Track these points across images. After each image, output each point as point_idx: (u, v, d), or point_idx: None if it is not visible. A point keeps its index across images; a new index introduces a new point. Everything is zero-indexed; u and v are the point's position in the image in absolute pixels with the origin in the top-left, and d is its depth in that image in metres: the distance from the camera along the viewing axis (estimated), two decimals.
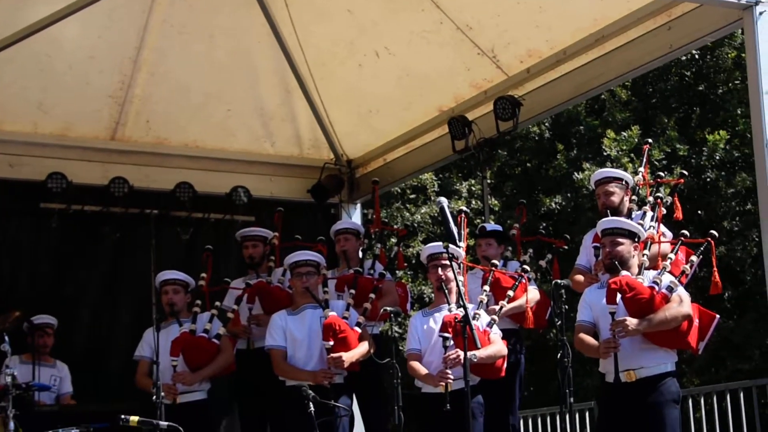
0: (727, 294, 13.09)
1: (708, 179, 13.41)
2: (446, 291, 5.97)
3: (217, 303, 7.26)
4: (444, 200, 5.66)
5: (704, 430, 8.64)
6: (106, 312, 8.79)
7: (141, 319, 7.78)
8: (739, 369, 13.00)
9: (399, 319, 10.41)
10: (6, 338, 6.40)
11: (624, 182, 6.50)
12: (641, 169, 6.96)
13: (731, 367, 13.22)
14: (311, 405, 5.58)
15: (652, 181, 6.80)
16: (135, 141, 9.10)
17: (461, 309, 5.84)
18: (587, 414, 9.92)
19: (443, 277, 6.07)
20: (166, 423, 5.69)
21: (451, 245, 5.92)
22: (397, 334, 12.10)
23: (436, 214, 13.50)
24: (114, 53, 8.41)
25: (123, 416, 5.47)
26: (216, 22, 8.34)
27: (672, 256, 5.96)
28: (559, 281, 5.80)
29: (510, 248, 7.48)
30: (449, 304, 6.05)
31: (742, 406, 8.42)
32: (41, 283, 8.58)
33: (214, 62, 8.68)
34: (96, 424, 6.41)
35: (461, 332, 5.66)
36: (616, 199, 6.42)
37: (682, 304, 5.58)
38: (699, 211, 13.55)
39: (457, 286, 5.95)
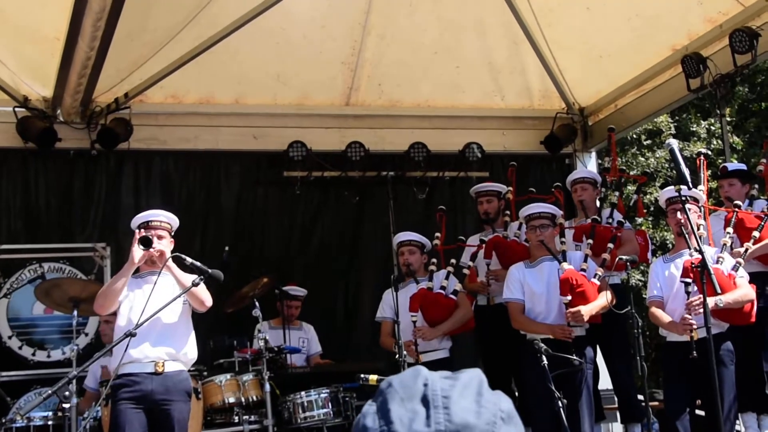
0: None
1: None
2: (686, 235, 5.76)
3: (453, 260, 7.32)
4: (674, 142, 5.43)
5: None
6: (351, 274, 9.12)
7: (384, 279, 8.00)
8: None
9: (641, 267, 10.18)
10: (257, 304, 6.74)
11: None
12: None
13: None
14: (544, 358, 5.54)
15: None
16: (369, 105, 9.34)
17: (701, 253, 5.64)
18: None
19: (681, 221, 5.87)
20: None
21: (687, 188, 5.70)
22: (640, 283, 11.85)
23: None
24: (344, 20, 8.63)
25: (363, 375, 5.62)
26: None
27: None
28: None
29: (756, 186, 7.12)
30: (690, 249, 5.84)
31: None
32: (288, 249, 9.01)
33: (440, 20, 8.73)
34: (346, 384, 6.66)
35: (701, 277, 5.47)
36: None
37: None
38: None
39: (693, 229, 5.71)
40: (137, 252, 5.55)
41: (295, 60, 8.75)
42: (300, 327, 8.22)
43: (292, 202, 9.03)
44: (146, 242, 5.55)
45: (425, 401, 1.33)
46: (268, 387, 6.54)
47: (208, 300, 5.69)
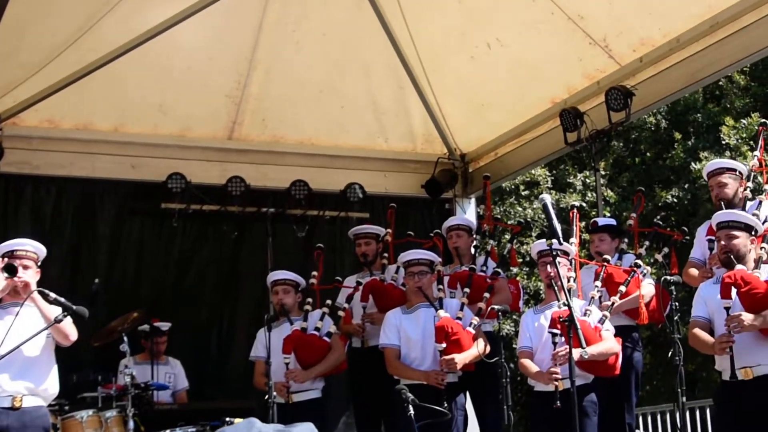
0: None
1: None
2: (555, 288, 5.88)
3: (329, 301, 7.31)
4: (547, 197, 5.56)
5: None
6: (226, 310, 9.00)
7: (259, 317, 7.93)
8: None
9: (514, 317, 10.33)
10: (125, 339, 6.60)
11: (737, 172, 6.33)
12: (756, 153, 6.74)
13: None
14: (411, 408, 5.59)
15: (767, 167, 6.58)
16: (252, 140, 9.29)
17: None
18: (708, 411, 9.66)
19: (551, 274, 5.98)
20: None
21: (557, 242, 5.83)
22: (513, 331, 12.03)
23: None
24: (230, 53, 8.60)
25: (228, 419, 5.59)
26: (327, 19, 8.43)
27: None
28: (668, 277, 5.67)
29: (626, 240, 7.32)
30: (559, 301, 5.96)
31: None
32: (162, 283, 8.84)
33: (326, 59, 8.78)
34: (213, 422, 6.55)
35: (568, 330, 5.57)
36: (729, 190, 6.26)
37: None
38: None
39: (561, 282, 5.80)
40: (0, 280, 5.38)
41: (179, 90, 8.67)
42: (167, 362, 8.09)
43: (168, 235, 8.87)
44: (11, 270, 5.39)
45: None
46: (132, 424, 6.39)
47: (72, 334, 5.55)
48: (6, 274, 5.38)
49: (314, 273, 7.60)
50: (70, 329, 5.50)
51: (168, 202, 8.74)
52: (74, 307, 5.23)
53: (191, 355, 8.38)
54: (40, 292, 5.38)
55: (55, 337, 5.53)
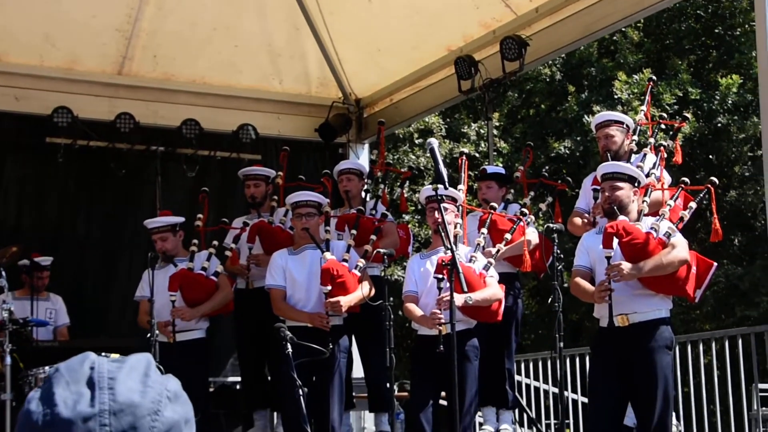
0: (736, 240, 13.02)
1: (719, 124, 13.29)
2: (442, 234, 5.92)
3: (215, 242, 7.27)
4: (434, 141, 5.61)
5: (714, 374, 8.58)
6: (111, 248, 8.83)
7: (145, 256, 7.82)
8: (747, 315, 12.99)
9: (404, 264, 10.39)
10: (3, 273, 6.44)
11: (624, 125, 6.44)
12: (643, 108, 6.89)
13: (739, 314, 13.21)
14: (289, 346, 5.61)
15: (654, 122, 6.72)
16: (142, 76, 9.08)
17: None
18: (587, 359, 9.90)
19: (438, 219, 6.01)
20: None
21: (444, 187, 5.85)
22: (402, 278, 12.13)
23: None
24: None
25: (105, 354, 5.48)
26: None
27: (671, 202, 5.89)
28: (552, 225, 5.77)
29: (513, 190, 7.41)
30: (445, 247, 6.01)
31: (753, 352, 8.33)
32: (46, 219, 8.65)
33: None
34: None
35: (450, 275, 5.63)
36: (617, 141, 6.37)
37: (678, 249, 5.53)
38: (710, 156, 13.46)
39: (446, 228, 5.86)
40: None
41: (66, 21, 8.42)
42: (47, 298, 7.95)
43: (53, 171, 8.63)
44: None
45: (91, 383, 1.38)
46: (9, 360, 6.26)
47: None
48: None
49: (199, 216, 7.55)
50: None
51: (53, 136, 8.49)
52: None
53: (73, 293, 8.22)
54: None
55: None
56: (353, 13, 8.82)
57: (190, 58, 9.11)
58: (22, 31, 8.35)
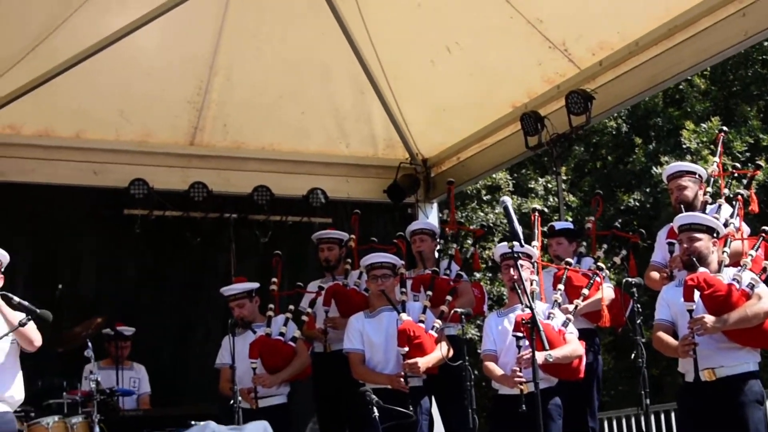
0: None
1: None
2: (518, 291, 5.92)
3: (291, 306, 7.34)
4: (507, 199, 5.62)
5: None
6: (188, 316, 8.96)
7: (222, 323, 7.91)
8: None
9: (478, 322, 10.38)
10: (89, 344, 6.56)
11: (697, 175, 6.40)
12: (716, 159, 6.83)
13: None
14: (375, 410, 5.61)
15: (727, 172, 6.66)
16: (213, 145, 9.26)
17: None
18: (673, 415, 9.70)
19: (514, 277, 6.00)
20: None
21: (519, 244, 5.86)
22: (477, 336, 12.10)
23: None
24: (190, 59, 8.56)
25: (193, 423, 5.57)
26: (287, 24, 8.42)
27: (753, 252, 5.80)
28: (630, 279, 5.72)
29: (585, 243, 7.38)
30: (522, 304, 5.99)
31: None
32: (124, 289, 8.81)
33: (287, 64, 8.76)
34: (180, 429, 6.53)
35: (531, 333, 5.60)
36: (689, 193, 6.32)
37: (764, 300, 5.42)
38: None
39: (523, 285, 5.81)
40: None
41: (140, 96, 8.62)
42: (131, 367, 8.06)
43: (131, 241, 8.81)
44: None
45: None
46: (98, 430, 6.36)
47: (37, 339, 5.52)
48: None
49: (274, 280, 7.62)
50: (34, 334, 5.47)
51: (131, 208, 8.69)
52: (38, 310, 5.20)
53: (153, 361, 8.32)
54: (3, 297, 5.34)
55: (20, 343, 5.49)
56: (417, 75, 8.92)
57: (258, 125, 9.28)
58: (98, 109, 8.58)
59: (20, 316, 5.36)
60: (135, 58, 8.16)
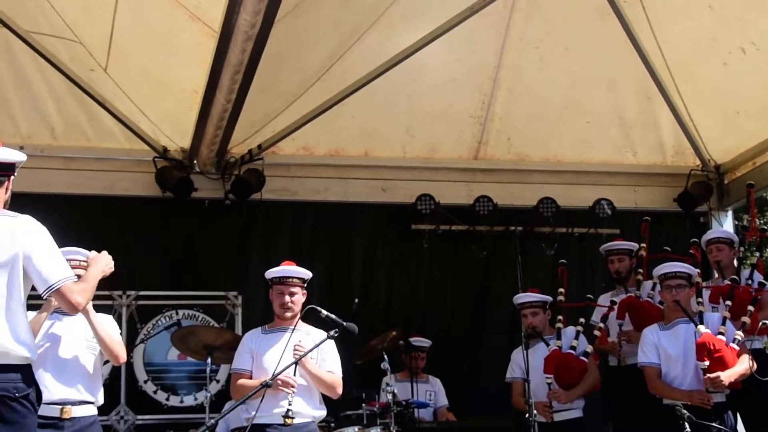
0: None
1: None
2: None
3: (582, 320, 7.22)
4: None
5: None
6: (478, 328, 9.02)
7: (510, 336, 7.91)
8: None
9: None
10: (386, 357, 6.73)
11: None
12: None
13: None
14: (687, 425, 5.37)
15: None
16: (497, 159, 9.30)
17: None
18: None
19: None
20: None
21: None
22: None
23: None
24: (474, 74, 8.62)
25: None
26: (570, 33, 8.30)
27: None
28: None
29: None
30: None
31: None
32: (413, 302, 9.01)
33: (570, 75, 8.64)
34: None
35: None
36: None
37: None
38: None
39: None
40: None
41: (424, 113, 8.79)
42: (427, 380, 8.19)
43: (419, 256, 9.01)
44: None
45: None
46: None
47: (122, 356, 5.52)
48: None
49: (561, 290, 7.55)
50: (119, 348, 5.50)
51: (418, 223, 8.88)
52: (345, 323, 5.37)
53: (444, 373, 8.42)
54: (311, 310, 5.56)
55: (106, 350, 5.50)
56: (707, 78, 8.54)
57: (542, 137, 9.22)
58: (386, 128, 8.84)
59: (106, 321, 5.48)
60: (420, 75, 8.33)
